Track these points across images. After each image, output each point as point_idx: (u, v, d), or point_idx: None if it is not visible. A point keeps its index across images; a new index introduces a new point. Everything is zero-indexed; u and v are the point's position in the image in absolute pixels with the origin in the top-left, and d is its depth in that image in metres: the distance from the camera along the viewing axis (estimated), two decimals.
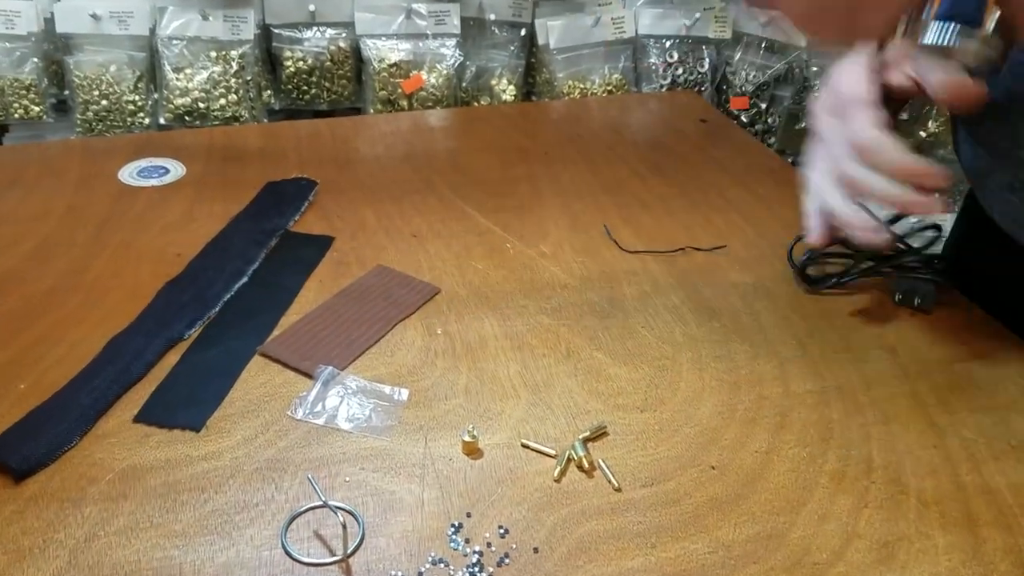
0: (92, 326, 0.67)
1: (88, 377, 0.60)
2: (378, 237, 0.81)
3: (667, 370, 0.65)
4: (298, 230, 0.81)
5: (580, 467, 0.56)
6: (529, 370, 0.65)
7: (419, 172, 0.93)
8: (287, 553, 0.50)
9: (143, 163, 0.90)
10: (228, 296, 0.70)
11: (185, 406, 0.59)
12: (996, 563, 0.50)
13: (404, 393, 0.62)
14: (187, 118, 1.13)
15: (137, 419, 0.58)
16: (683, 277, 0.76)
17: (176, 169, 0.89)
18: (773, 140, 1.23)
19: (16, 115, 1.11)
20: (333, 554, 0.50)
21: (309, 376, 0.63)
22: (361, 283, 0.73)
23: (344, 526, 0.49)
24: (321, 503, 0.52)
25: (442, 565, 0.49)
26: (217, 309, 0.69)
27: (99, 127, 1.13)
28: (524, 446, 0.58)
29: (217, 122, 1.14)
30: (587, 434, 0.58)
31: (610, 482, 0.55)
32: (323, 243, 0.79)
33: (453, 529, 0.52)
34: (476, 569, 0.49)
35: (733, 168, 0.96)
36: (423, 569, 0.49)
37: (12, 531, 0.50)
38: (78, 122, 1.12)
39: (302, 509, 0.52)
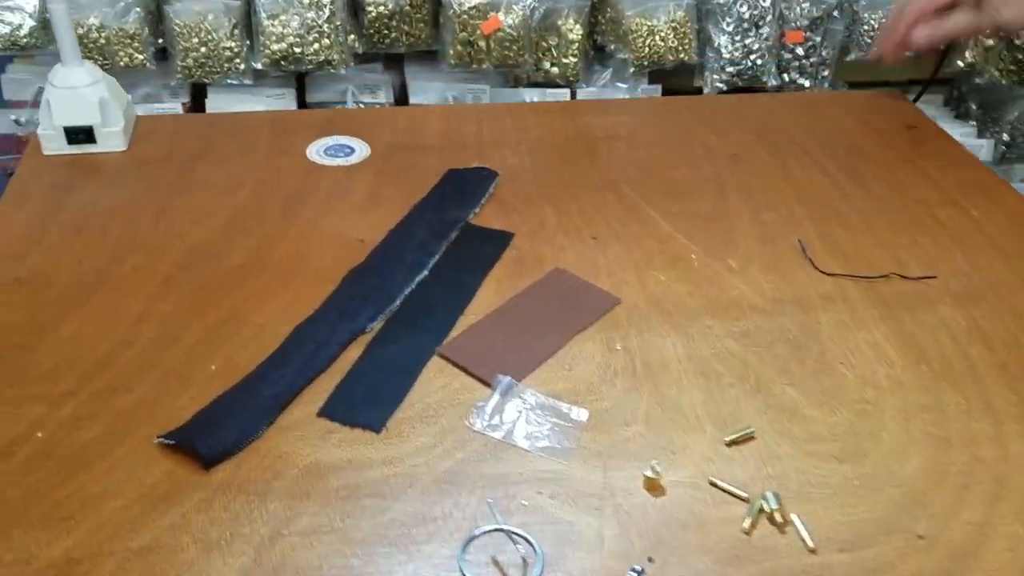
0: (277, 309, 0.68)
1: (275, 366, 0.61)
2: (557, 236, 0.78)
3: (868, 416, 0.60)
4: (477, 223, 0.79)
5: (771, 520, 0.52)
6: (715, 401, 0.61)
7: (599, 168, 0.89)
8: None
9: (330, 141, 0.90)
10: (409, 290, 0.70)
11: (366, 405, 0.59)
12: None
13: (583, 414, 0.59)
14: (283, 63, 1.20)
15: (320, 414, 0.58)
16: (886, 308, 0.70)
17: (361, 149, 0.89)
18: (827, 73, 1.31)
19: (121, 63, 1.17)
20: None
21: (487, 384, 0.61)
22: (539, 287, 0.71)
23: (524, 560, 0.47)
24: (501, 529, 0.50)
25: None
26: (398, 303, 0.68)
27: (198, 73, 1.20)
28: (712, 484, 0.54)
29: (311, 66, 1.20)
30: (775, 494, 0.54)
31: (804, 542, 0.51)
32: (502, 239, 0.77)
33: (635, 574, 0.49)
34: None
35: (943, 182, 0.88)
36: None
37: (201, 520, 0.51)
38: (178, 68, 1.19)
39: (481, 532, 0.51)
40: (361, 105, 1.27)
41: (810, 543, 0.51)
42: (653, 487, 0.54)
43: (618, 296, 0.71)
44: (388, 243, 0.75)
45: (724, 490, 0.54)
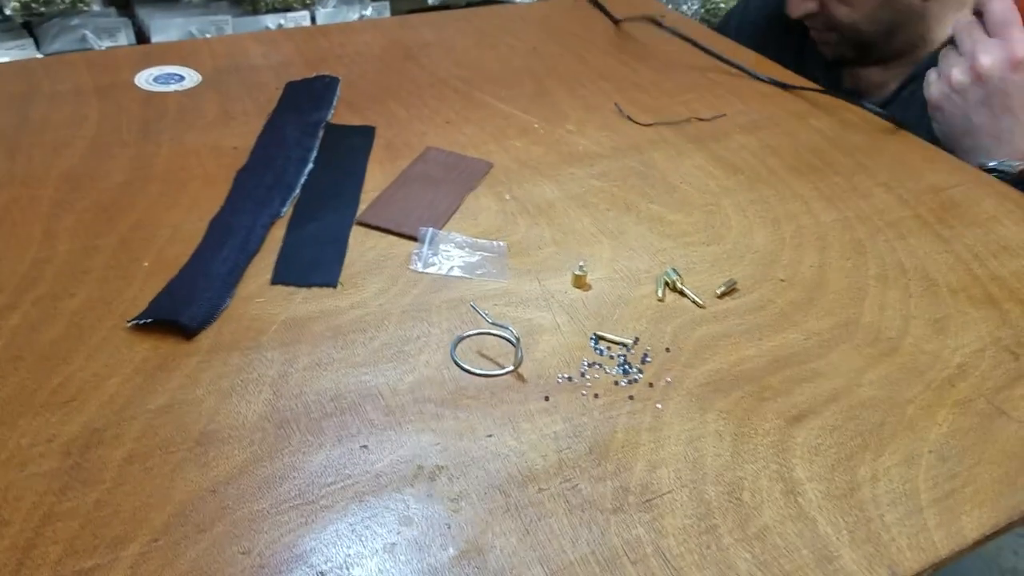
0: (184, 210, 0.69)
1: (214, 249, 0.64)
2: (414, 125, 0.86)
3: (716, 214, 0.75)
4: (336, 122, 0.85)
5: (673, 288, 0.65)
6: (600, 222, 0.73)
7: (425, 70, 0.97)
8: (464, 369, 0.56)
9: (155, 71, 0.90)
10: (303, 180, 0.74)
11: (314, 268, 0.64)
12: (1021, 327, 0.63)
13: (503, 246, 0.68)
14: (33, 5, 1.16)
15: (275, 281, 0.62)
16: (698, 142, 0.86)
17: (191, 76, 0.90)
18: None
19: None
20: (502, 367, 0.57)
21: (412, 238, 0.68)
22: (421, 162, 0.79)
23: (517, 339, 0.56)
24: (488, 326, 0.59)
25: (597, 366, 0.57)
26: (298, 191, 0.73)
27: None
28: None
29: (64, 5, 1.16)
30: (674, 269, 0.67)
31: (694, 301, 0.64)
32: (367, 132, 0.83)
33: (594, 340, 0.60)
34: (627, 366, 0.57)
35: (701, 60, 1.06)
36: (583, 369, 0.57)
37: (207, 376, 0.54)
38: None
39: (467, 334, 0.59)
40: (102, 48, 1.24)
41: (700, 301, 0.64)
42: (581, 284, 0.65)
43: (490, 161, 0.80)
44: (264, 145, 0.78)
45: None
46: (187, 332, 0.57)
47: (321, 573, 0.43)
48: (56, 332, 0.57)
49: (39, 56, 1.16)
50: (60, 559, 0.43)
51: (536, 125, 0.87)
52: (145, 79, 0.88)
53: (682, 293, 0.65)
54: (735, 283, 0.65)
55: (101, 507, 0.46)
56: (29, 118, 0.81)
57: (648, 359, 0.58)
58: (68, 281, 0.61)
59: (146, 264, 0.63)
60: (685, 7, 1.55)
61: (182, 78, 0.89)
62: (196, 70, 0.92)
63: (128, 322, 0.57)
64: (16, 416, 0.50)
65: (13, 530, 0.44)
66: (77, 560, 0.43)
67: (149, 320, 0.57)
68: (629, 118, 0.89)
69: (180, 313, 0.57)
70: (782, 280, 0.67)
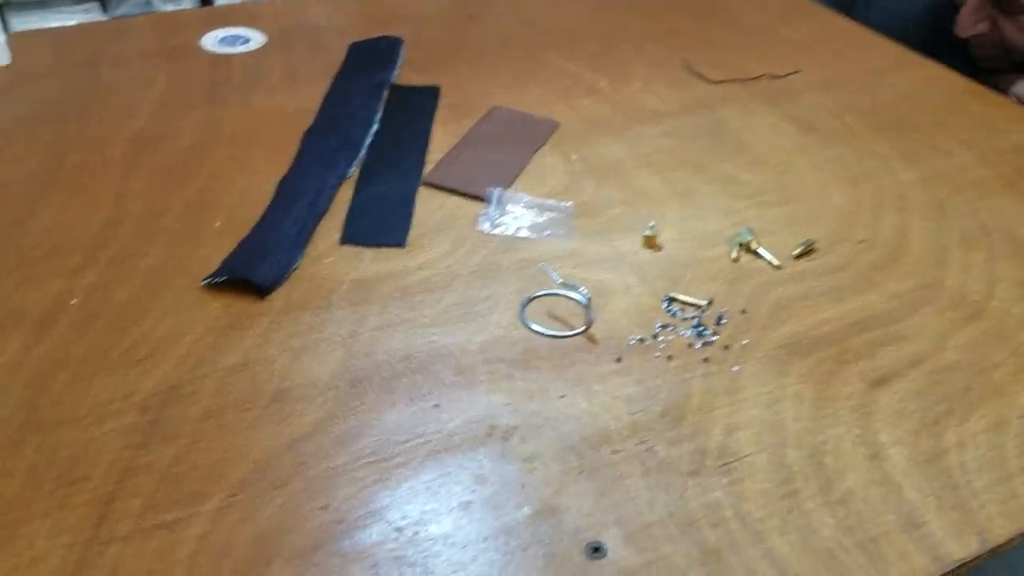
0: (252, 173, 0.69)
1: (283, 210, 0.64)
2: (479, 84, 0.84)
3: (789, 172, 0.72)
4: (401, 83, 0.84)
5: (748, 249, 0.63)
6: (670, 182, 0.71)
7: (489, 30, 0.96)
8: (532, 330, 0.55)
9: (221, 33, 0.90)
10: (369, 141, 0.74)
11: (381, 229, 0.63)
12: None
13: (570, 206, 0.67)
14: None
15: (344, 241, 0.62)
16: (771, 100, 0.83)
17: (256, 37, 0.90)
18: None
19: None
20: (572, 328, 0.56)
21: (479, 199, 0.67)
22: (486, 121, 0.78)
23: (588, 300, 0.55)
24: (558, 287, 0.58)
25: (670, 328, 0.56)
26: (364, 152, 0.72)
27: None
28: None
29: None
30: (749, 229, 0.65)
31: (771, 262, 0.62)
32: (431, 92, 0.82)
33: (667, 302, 0.58)
34: (702, 328, 0.56)
35: (770, 6, 1.02)
36: (656, 331, 0.56)
37: (279, 336, 0.54)
38: None
39: (536, 295, 0.58)
40: (167, 10, 1.25)
41: (776, 262, 0.62)
42: (652, 244, 0.63)
43: (556, 120, 0.78)
44: (330, 106, 0.78)
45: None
46: (260, 291, 0.57)
47: (398, 529, 0.43)
48: (130, 291, 0.57)
49: (105, 19, 1.18)
50: (141, 512, 0.44)
51: (602, 83, 0.85)
52: (211, 41, 0.88)
53: (757, 254, 0.63)
54: (814, 243, 0.63)
55: (179, 462, 0.46)
56: (98, 81, 0.82)
57: (723, 321, 0.57)
58: (140, 241, 0.62)
59: (217, 225, 0.64)
60: None
61: (247, 40, 0.89)
62: (261, 31, 0.92)
63: (202, 281, 0.57)
64: (92, 374, 0.51)
65: (94, 484, 0.45)
66: (157, 514, 0.43)
67: (223, 279, 0.57)
68: (698, 75, 0.87)
69: (253, 272, 0.57)
70: (861, 241, 0.65)
